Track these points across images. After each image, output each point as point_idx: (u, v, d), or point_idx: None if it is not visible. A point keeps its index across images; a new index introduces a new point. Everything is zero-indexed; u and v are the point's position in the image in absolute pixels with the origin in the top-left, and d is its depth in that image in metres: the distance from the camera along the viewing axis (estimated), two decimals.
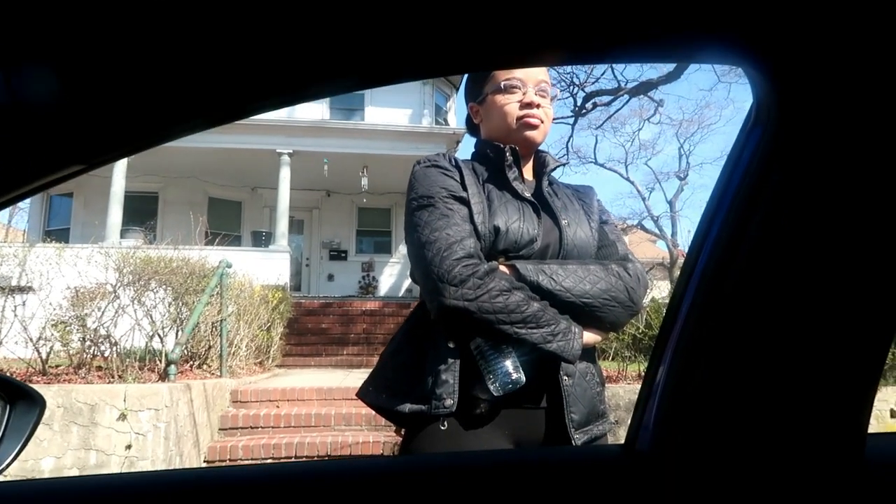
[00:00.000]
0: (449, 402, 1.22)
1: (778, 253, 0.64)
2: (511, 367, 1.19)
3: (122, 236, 11.25)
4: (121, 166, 11.81)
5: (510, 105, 1.40)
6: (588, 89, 14.84)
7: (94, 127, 0.52)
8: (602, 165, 22.60)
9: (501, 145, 1.38)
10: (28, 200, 15.83)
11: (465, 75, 1.34)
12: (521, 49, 0.51)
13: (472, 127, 1.55)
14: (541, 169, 1.46)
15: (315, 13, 0.45)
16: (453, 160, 1.38)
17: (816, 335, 0.65)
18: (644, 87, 13.31)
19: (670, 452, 0.72)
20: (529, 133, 1.40)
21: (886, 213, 0.61)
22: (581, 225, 1.40)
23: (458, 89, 16.63)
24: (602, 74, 13.84)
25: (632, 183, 23.15)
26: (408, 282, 14.98)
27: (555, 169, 1.48)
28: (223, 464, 5.17)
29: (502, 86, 1.40)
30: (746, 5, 0.50)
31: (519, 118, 1.39)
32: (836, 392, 0.67)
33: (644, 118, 21.21)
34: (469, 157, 1.48)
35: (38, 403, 1.05)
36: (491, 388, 1.19)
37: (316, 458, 5.26)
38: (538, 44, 0.50)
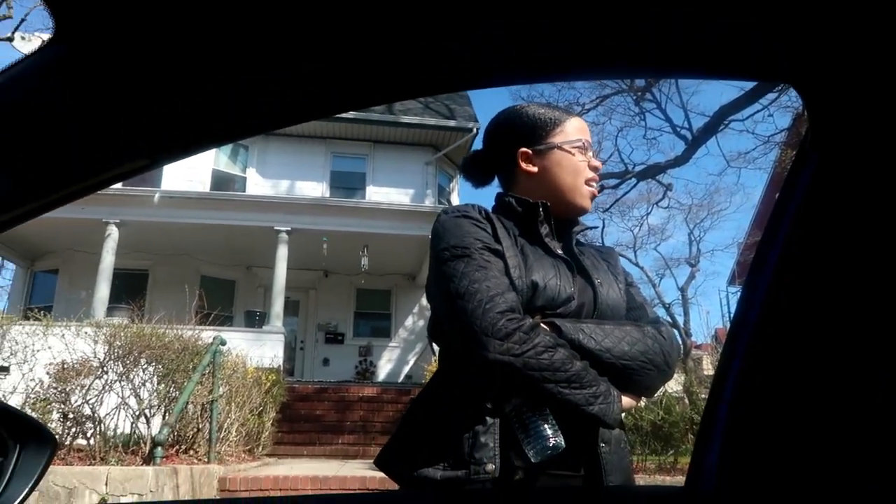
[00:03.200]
0: (490, 466, 1.15)
1: (838, 282, 0.64)
2: (550, 432, 1.14)
3: (108, 314, 10.83)
4: (111, 242, 11.56)
5: (583, 164, 1.38)
6: None
7: (163, 124, 0.54)
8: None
9: (531, 200, 1.35)
10: (10, 276, 15.54)
11: (518, 114, 1.40)
12: (585, 56, 0.53)
13: (485, 174, 1.48)
14: (569, 228, 1.43)
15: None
16: (483, 211, 1.33)
17: (886, 366, 0.64)
18: (652, 171, 13.38)
19: (738, 492, 0.72)
20: (590, 199, 1.40)
21: None
22: (612, 285, 1.38)
23: (461, 171, 16.66)
24: (609, 157, 14.01)
25: (641, 269, 22.92)
26: (407, 367, 14.52)
27: (582, 231, 1.46)
28: None
29: (582, 143, 1.39)
30: (793, 19, 0.50)
31: (588, 181, 1.38)
32: None
33: (652, 202, 20.80)
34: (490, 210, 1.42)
35: (49, 443, 1.05)
36: (529, 453, 1.13)
37: None
38: (608, 52, 0.52)
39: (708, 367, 15.80)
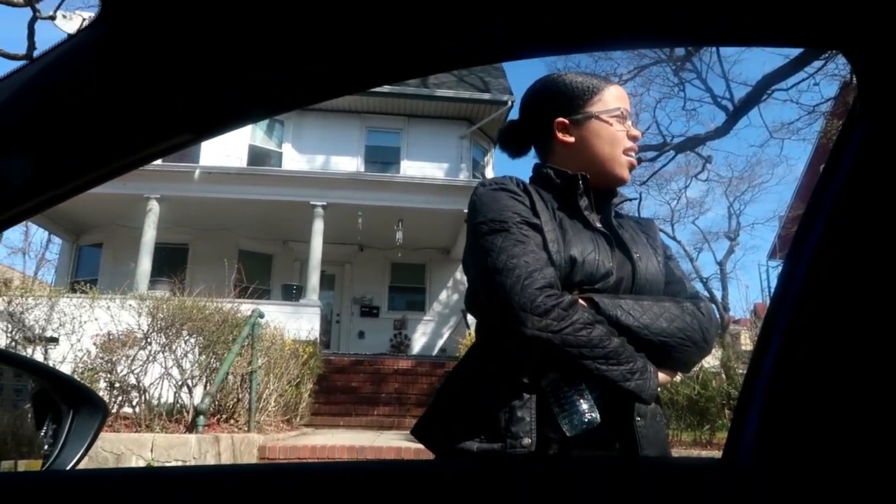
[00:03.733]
0: (526, 441, 1.15)
1: (883, 257, 0.62)
2: (586, 406, 1.14)
3: (151, 287, 11.11)
4: (152, 217, 11.80)
5: (622, 133, 1.35)
6: None
7: (206, 100, 0.55)
8: None
9: (570, 172, 1.32)
10: (57, 251, 15.99)
11: (555, 83, 1.37)
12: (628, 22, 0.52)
13: (521, 144, 1.47)
14: (608, 199, 1.40)
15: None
16: (521, 184, 1.32)
17: None
18: (691, 143, 13.09)
19: (774, 467, 0.72)
20: (629, 170, 1.37)
21: None
22: (650, 259, 1.36)
23: (496, 144, 16.53)
24: (647, 129, 13.75)
25: (678, 242, 22.44)
26: (441, 340, 14.61)
27: (621, 203, 1.44)
28: None
29: (621, 111, 1.35)
30: None
31: (626, 150, 1.35)
32: None
33: (691, 175, 20.54)
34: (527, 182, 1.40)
35: (100, 409, 1.10)
36: (564, 427, 1.13)
37: None
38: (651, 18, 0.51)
39: (746, 343, 15.58)
